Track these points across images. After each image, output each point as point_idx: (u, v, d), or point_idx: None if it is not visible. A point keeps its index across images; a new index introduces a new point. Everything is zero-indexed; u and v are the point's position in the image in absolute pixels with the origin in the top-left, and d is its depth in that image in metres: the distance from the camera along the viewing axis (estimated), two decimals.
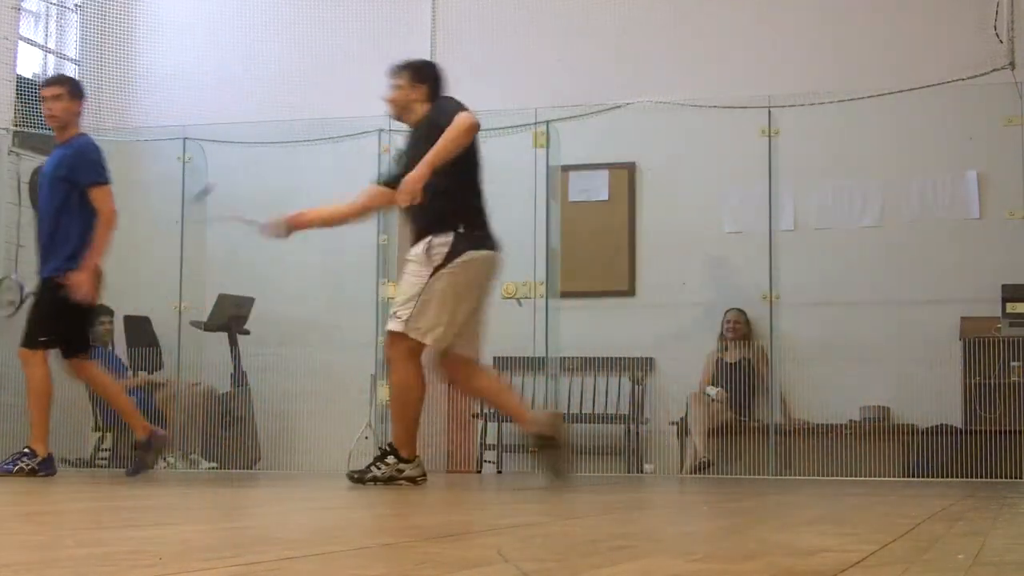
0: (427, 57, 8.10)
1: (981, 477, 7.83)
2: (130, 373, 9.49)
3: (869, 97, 8.39)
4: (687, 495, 6.07)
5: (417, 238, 5.76)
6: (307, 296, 9.61)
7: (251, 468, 9.13)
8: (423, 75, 6.00)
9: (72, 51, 10.16)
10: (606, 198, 9.46)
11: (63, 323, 6.49)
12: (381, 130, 8.80)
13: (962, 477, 7.91)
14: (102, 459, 9.12)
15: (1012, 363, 8.16)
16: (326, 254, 9.33)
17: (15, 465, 6.39)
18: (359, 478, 5.78)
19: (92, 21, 9.96)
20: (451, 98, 5.89)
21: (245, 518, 3.78)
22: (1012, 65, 7.76)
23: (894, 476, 8.19)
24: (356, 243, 8.95)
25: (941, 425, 8.25)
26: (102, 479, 7.11)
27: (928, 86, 8.21)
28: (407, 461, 5.76)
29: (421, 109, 5.92)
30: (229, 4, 10.02)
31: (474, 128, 5.65)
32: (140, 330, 9.61)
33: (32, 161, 9.05)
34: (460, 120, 5.60)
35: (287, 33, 9.77)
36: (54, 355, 6.57)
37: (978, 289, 8.51)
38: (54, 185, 6.58)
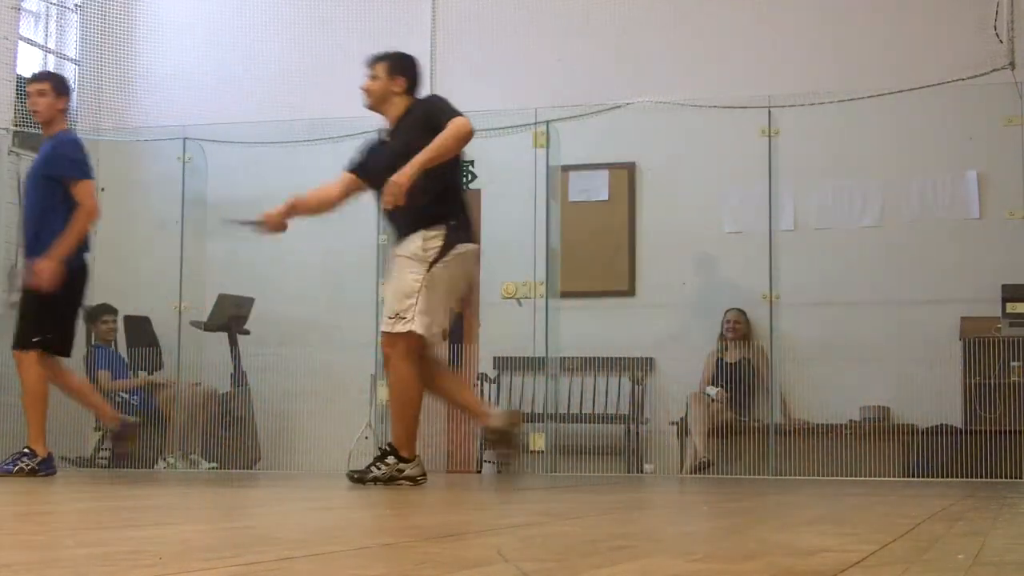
0: (427, 57, 8.12)
1: (981, 477, 7.83)
2: (131, 373, 9.50)
3: (869, 97, 8.39)
4: (687, 495, 6.07)
5: (406, 233, 5.74)
6: (307, 296, 9.61)
7: (251, 468, 9.13)
8: (401, 67, 5.99)
9: (72, 51, 10.16)
10: (606, 198, 9.45)
11: (55, 322, 6.47)
12: (381, 130, 8.78)
13: (962, 477, 7.90)
14: (102, 458, 9.12)
15: (1012, 363, 8.16)
16: (326, 254, 9.34)
17: (15, 465, 6.38)
18: (359, 478, 5.78)
19: (92, 21, 9.95)
20: (444, 98, 5.91)
21: (245, 518, 3.78)
22: (1012, 65, 7.75)
23: (894, 476, 8.19)
24: (356, 243, 8.96)
25: (941, 425, 8.25)
26: (102, 479, 7.11)
27: (928, 86, 8.20)
28: (407, 461, 5.76)
29: (399, 101, 5.92)
30: (229, 4, 10.02)
31: (471, 135, 5.68)
32: (140, 330, 9.62)
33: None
34: (460, 126, 5.61)
35: (287, 33, 9.77)
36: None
37: (978, 289, 8.52)
38: (38, 183, 6.55)
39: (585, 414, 9.03)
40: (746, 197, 9.01)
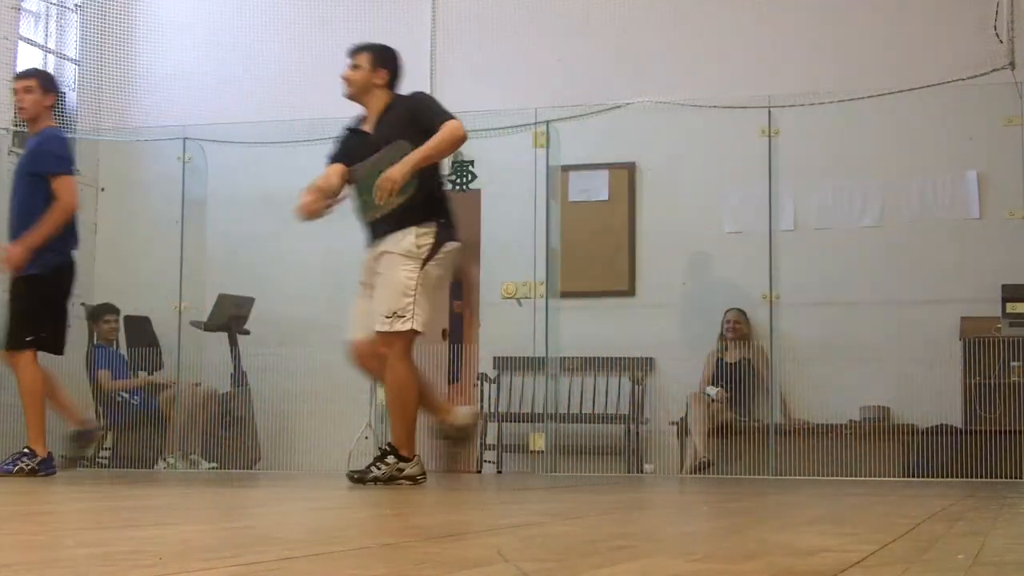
0: (427, 57, 8.13)
1: (981, 477, 7.83)
2: (131, 373, 9.50)
3: (869, 97, 8.39)
4: (687, 495, 6.07)
5: (393, 229, 5.72)
6: (307, 296, 9.60)
7: (251, 468, 9.13)
8: (384, 60, 5.98)
9: (72, 51, 10.16)
10: (606, 198, 9.45)
11: (46, 321, 6.46)
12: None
13: (962, 477, 7.90)
14: (103, 458, 9.12)
15: (1012, 363, 8.16)
16: (326, 254, 9.33)
17: (15, 465, 6.37)
18: (359, 478, 5.78)
19: (92, 21, 9.95)
20: (432, 97, 5.94)
21: (245, 518, 3.78)
22: (1012, 65, 7.75)
23: (894, 476, 8.19)
24: (356, 243, 8.94)
25: (941, 425, 8.25)
26: (102, 479, 7.11)
27: (928, 86, 8.20)
28: (407, 460, 5.76)
29: (380, 94, 5.91)
30: (229, 4, 10.02)
31: (465, 139, 5.72)
32: (140, 330, 9.62)
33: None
34: (454, 129, 5.63)
35: (287, 33, 9.77)
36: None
37: (978, 289, 8.52)
38: (24, 180, 6.56)
39: (585, 414, 9.03)
40: (746, 197, 9.01)
